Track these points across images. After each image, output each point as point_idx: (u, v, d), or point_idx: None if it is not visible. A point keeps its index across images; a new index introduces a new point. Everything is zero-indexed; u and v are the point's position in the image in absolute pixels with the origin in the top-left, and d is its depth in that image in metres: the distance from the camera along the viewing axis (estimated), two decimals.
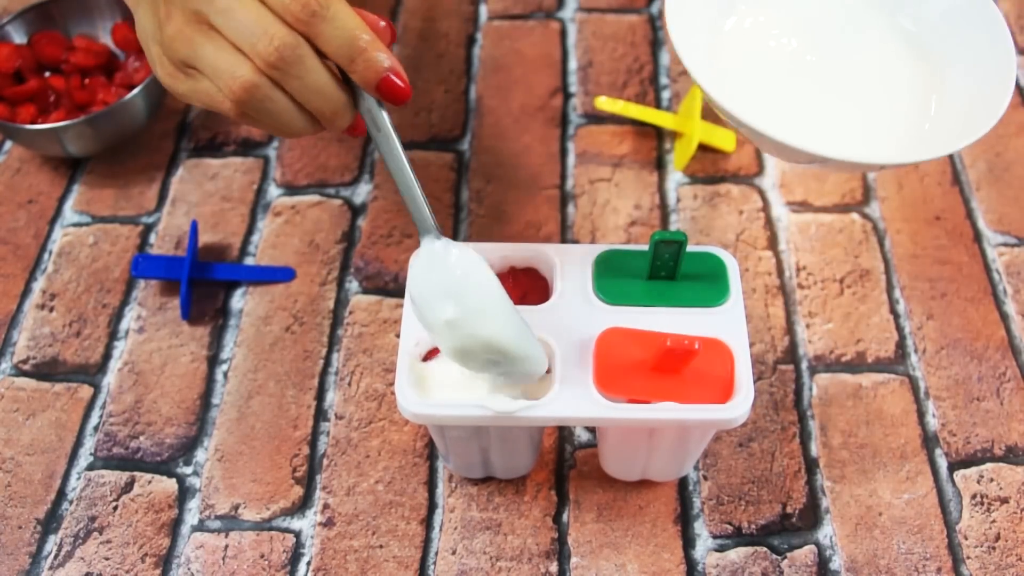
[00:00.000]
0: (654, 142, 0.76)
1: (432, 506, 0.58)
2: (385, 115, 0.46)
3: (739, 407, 0.48)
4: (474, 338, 0.46)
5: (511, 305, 0.47)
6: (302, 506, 0.58)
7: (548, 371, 0.50)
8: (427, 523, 0.58)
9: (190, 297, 0.66)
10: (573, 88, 0.79)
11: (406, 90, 0.45)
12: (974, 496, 0.58)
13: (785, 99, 0.61)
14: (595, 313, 0.52)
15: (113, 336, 0.66)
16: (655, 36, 0.83)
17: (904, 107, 0.61)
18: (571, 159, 0.75)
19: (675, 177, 0.74)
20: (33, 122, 0.71)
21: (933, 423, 0.61)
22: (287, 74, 0.43)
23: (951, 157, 0.75)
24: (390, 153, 0.46)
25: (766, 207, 0.72)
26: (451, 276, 0.46)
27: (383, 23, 0.46)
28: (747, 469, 0.60)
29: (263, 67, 0.43)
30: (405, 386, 0.49)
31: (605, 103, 0.75)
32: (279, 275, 0.68)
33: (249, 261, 0.69)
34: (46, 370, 0.64)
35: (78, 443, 0.61)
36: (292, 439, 0.61)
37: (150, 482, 0.59)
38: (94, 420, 0.62)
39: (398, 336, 0.60)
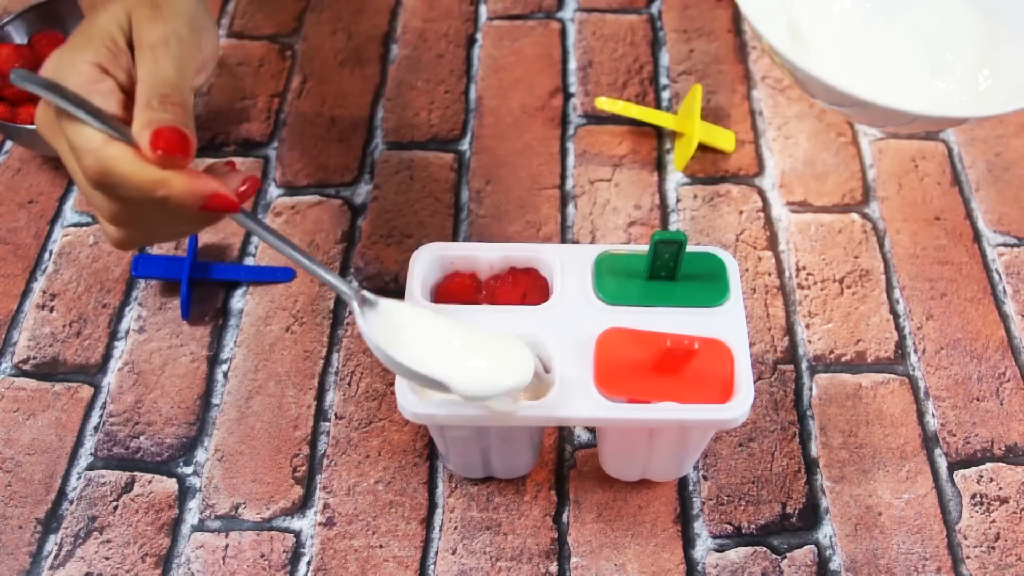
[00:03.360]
0: (654, 142, 0.76)
1: (432, 506, 0.58)
2: (243, 217, 0.44)
3: (739, 407, 0.48)
4: (420, 380, 0.46)
5: (455, 331, 0.46)
6: (302, 506, 0.59)
7: (548, 371, 0.50)
8: (427, 523, 0.58)
9: (190, 297, 0.66)
10: (573, 88, 0.79)
11: (232, 202, 0.43)
12: (974, 496, 0.58)
13: (868, 63, 0.64)
14: (595, 313, 0.52)
15: (113, 336, 0.66)
16: (655, 36, 0.83)
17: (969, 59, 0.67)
18: (571, 159, 0.75)
19: (675, 177, 0.74)
20: (33, 122, 0.71)
21: (933, 423, 0.61)
22: (112, 189, 0.42)
23: (951, 157, 0.75)
24: (273, 244, 0.45)
25: (766, 207, 0.72)
26: (383, 333, 0.46)
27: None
28: (747, 469, 0.60)
29: (90, 182, 0.42)
30: (405, 386, 0.49)
31: (605, 103, 0.75)
32: (279, 275, 0.68)
33: (249, 261, 0.69)
34: (46, 370, 0.64)
35: (78, 443, 0.61)
36: (292, 439, 0.61)
37: (150, 482, 0.59)
38: (94, 420, 0.62)
39: None
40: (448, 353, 0.46)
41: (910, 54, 0.69)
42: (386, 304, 0.47)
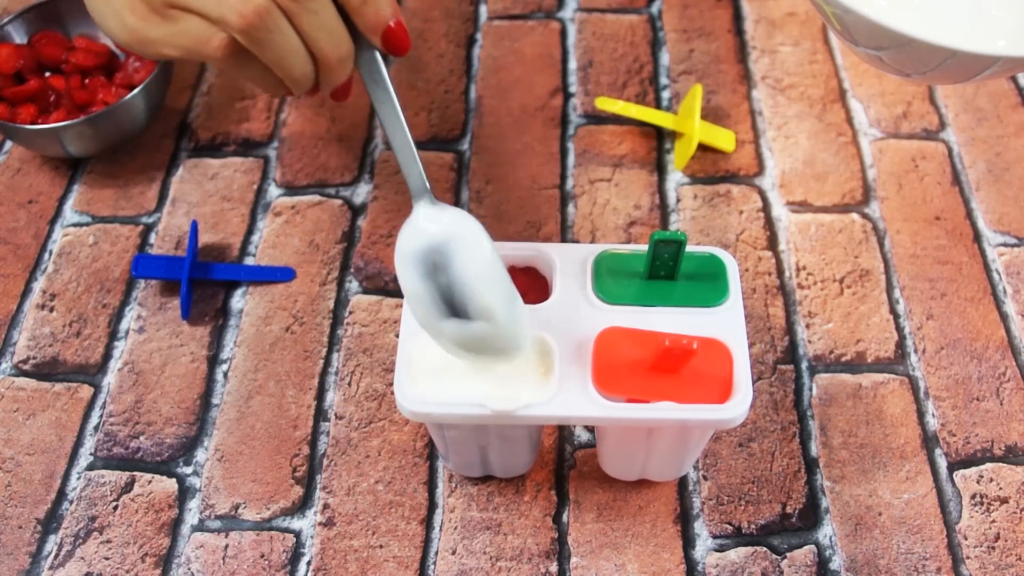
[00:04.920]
0: (654, 142, 0.76)
1: (432, 506, 0.58)
2: (384, 68, 0.45)
3: (738, 407, 0.48)
4: (468, 300, 0.45)
5: (504, 271, 0.46)
6: (302, 506, 0.59)
7: (548, 367, 0.50)
8: (427, 523, 0.58)
9: (190, 297, 0.66)
10: (573, 88, 0.79)
11: (408, 40, 0.45)
12: (974, 496, 0.58)
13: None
14: (594, 313, 0.52)
15: (113, 336, 0.66)
16: (655, 36, 0.83)
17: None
18: (571, 159, 0.75)
19: (675, 177, 0.74)
20: (33, 122, 0.71)
21: (933, 423, 0.61)
22: (303, 5, 0.42)
23: (951, 157, 0.75)
24: (388, 108, 0.45)
25: (766, 207, 0.72)
26: (443, 238, 0.45)
27: None
28: (747, 469, 0.60)
29: None
30: (404, 384, 0.49)
31: (605, 103, 0.75)
32: (279, 275, 0.68)
33: (249, 261, 0.69)
34: (46, 370, 0.64)
35: (78, 443, 0.61)
36: (292, 439, 0.61)
37: (150, 482, 0.60)
38: (94, 420, 0.62)
39: (398, 336, 0.60)
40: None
41: (955, 11, 0.70)
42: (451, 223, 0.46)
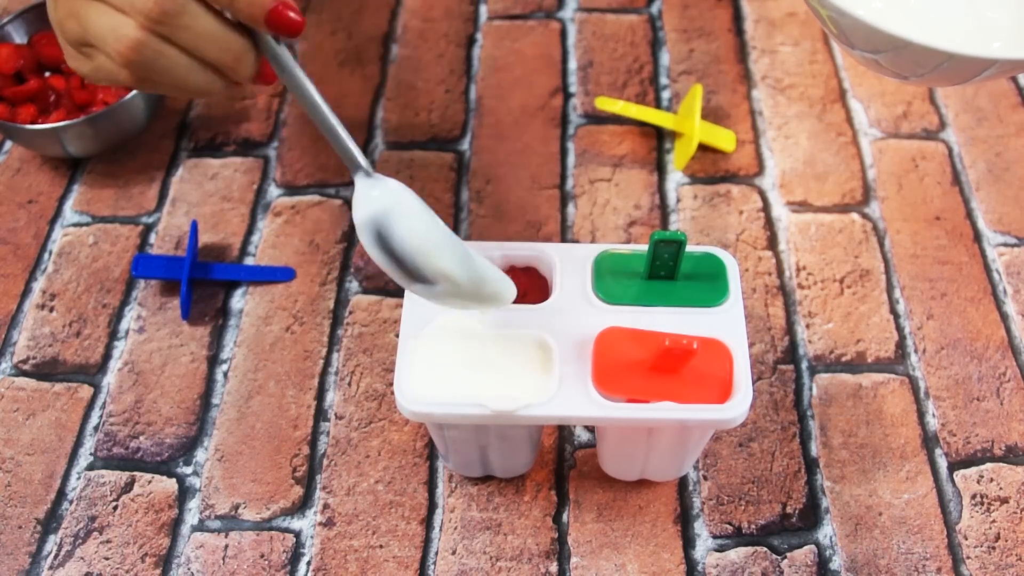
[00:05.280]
0: (654, 142, 0.76)
1: (432, 506, 0.58)
2: (287, 53, 0.45)
3: (737, 407, 0.48)
4: (419, 268, 0.45)
5: (446, 232, 0.46)
6: (302, 506, 0.59)
7: (549, 367, 0.50)
8: (427, 523, 0.58)
9: (190, 297, 0.66)
10: (573, 88, 0.79)
11: (297, 20, 0.43)
12: (974, 496, 0.58)
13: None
14: (594, 313, 0.52)
15: (113, 336, 0.66)
16: (655, 36, 0.83)
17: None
18: (571, 159, 0.75)
19: (675, 177, 0.74)
20: (33, 122, 0.71)
21: (933, 423, 0.61)
22: (173, 26, 0.42)
23: (951, 157, 0.75)
24: (300, 92, 0.45)
25: (766, 207, 0.72)
26: (379, 213, 0.45)
27: None
28: (747, 469, 0.60)
29: (146, 23, 0.42)
30: (404, 384, 0.49)
31: (605, 103, 0.75)
32: (279, 275, 0.68)
33: (249, 261, 0.69)
34: (46, 370, 0.64)
35: (78, 443, 0.61)
36: (292, 439, 0.61)
37: (150, 482, 0.60)
38: (94, 420, 0.62)
39: (398, 336, 0.60)
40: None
41: (951, 13, 0.70)
42: (392, 187, 0.46)
